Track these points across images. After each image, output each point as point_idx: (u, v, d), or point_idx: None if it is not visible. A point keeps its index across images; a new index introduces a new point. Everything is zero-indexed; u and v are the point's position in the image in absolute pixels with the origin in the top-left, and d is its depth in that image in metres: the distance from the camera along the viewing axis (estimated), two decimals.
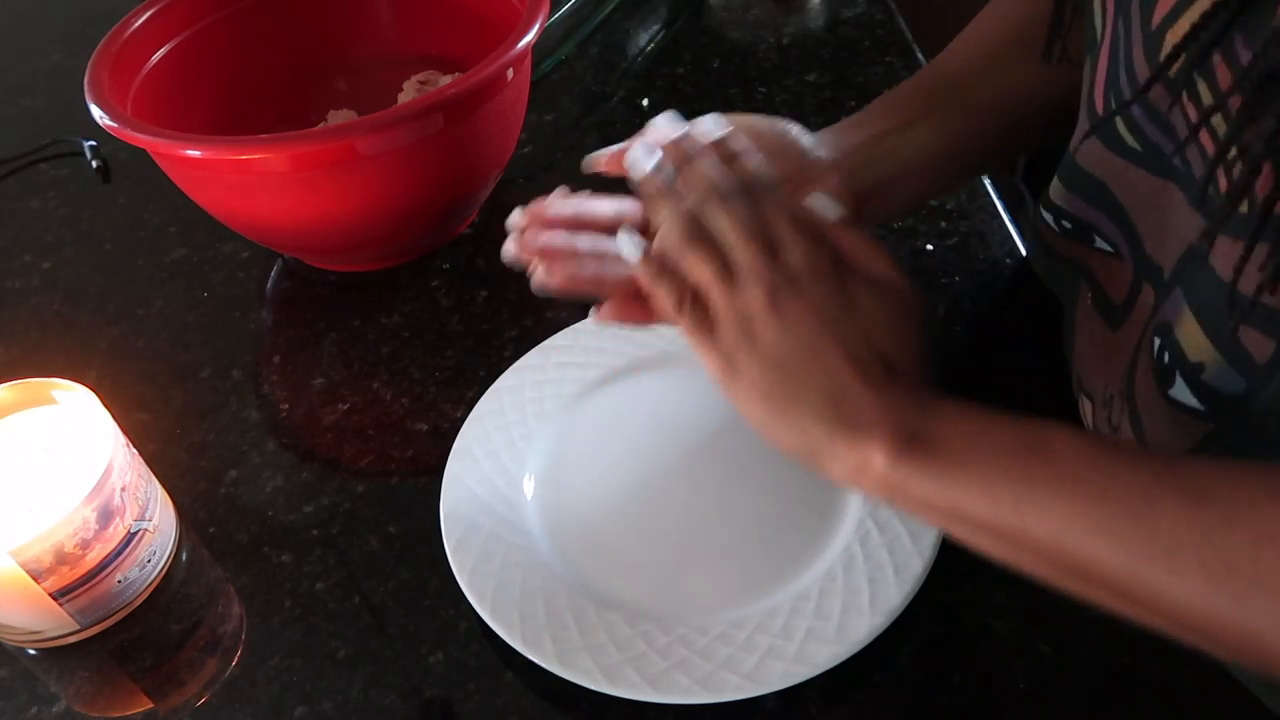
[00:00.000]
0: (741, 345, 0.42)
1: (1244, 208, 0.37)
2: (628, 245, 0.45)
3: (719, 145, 0.47)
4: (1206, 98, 0.39)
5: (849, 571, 0.51)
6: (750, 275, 0.42)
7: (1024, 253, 0.69)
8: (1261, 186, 0.36)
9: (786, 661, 0.47)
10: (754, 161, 0.46)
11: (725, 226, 0.43)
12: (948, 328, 0.66)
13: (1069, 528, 0.36)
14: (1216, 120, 0.38)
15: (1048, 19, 0.54)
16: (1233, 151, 0.37)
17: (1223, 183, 0.39)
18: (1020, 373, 0.62)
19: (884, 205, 0.55)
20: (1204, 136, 0.40)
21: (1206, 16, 0.37)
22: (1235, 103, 0.36)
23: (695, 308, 0.43)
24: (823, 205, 0.45)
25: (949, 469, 0.38)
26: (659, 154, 0.46)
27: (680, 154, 0.46)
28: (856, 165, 0.53)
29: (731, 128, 0.48)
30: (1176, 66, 0.40)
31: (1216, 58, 0.38)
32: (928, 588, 0.49)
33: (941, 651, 0.50)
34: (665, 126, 0.48)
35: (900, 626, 0.48)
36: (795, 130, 0.53)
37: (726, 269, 0.43)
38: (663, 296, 0.44)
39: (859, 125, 0.55)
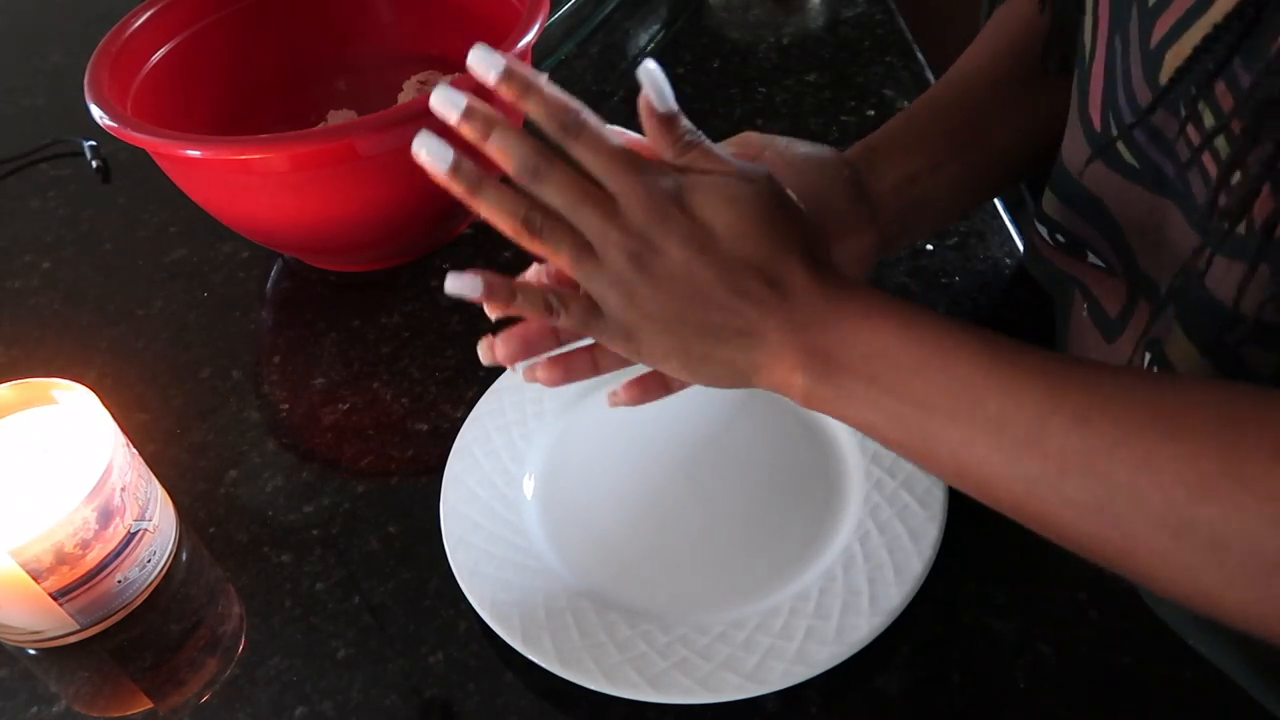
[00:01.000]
0: (631, 313, 0.41)
1: (1241, 229, 0.37)
2: (462, 286, 0.42)
3: (507, 82, 0.41)
4: (1208, 119, 0.39)
5: (849, 571, 0.51)
6: (605, 246, 0.40)
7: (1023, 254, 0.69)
8: (1260, 208, 0.36)
9: (786, 661, 0.47)
10: (548, 93, 0.41)
11: (558, 198, 0.40)
12: None
13: (968, 450, 0.37)
14: (1219, 142, 0.38)
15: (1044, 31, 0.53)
16: (1235, 175, 0.37)
17: (1223, 202, 0.39)
18: None
19: (900, 243, 0.54)
20: (1206, 158, 0.40)
21: (1209, 39, 0.37)
22: (1236, 126, 0.36)
23: (570, 302, 0.42)
24: (654, 86, 0.41)
25: (856, 390, 0.39)
26: (450, 150, 0.41)
27: (476, 128, 0.41)
28: (890, 210, 0.51)
29: (506, 61, 0.41)
30: (1179, 90, 0.39)
31: (1217, 80, 0.37)
32: (928, 588, 0.49)
33: (941, 651, 0.50)
34: (444, 103, 0.41)
35: (900, 626, 0.48)
36: (842, 170, 0.50)
37: (578, 248, 0.41)
38: (530, 312, 0.42)
39: (892, 160, 0.52)
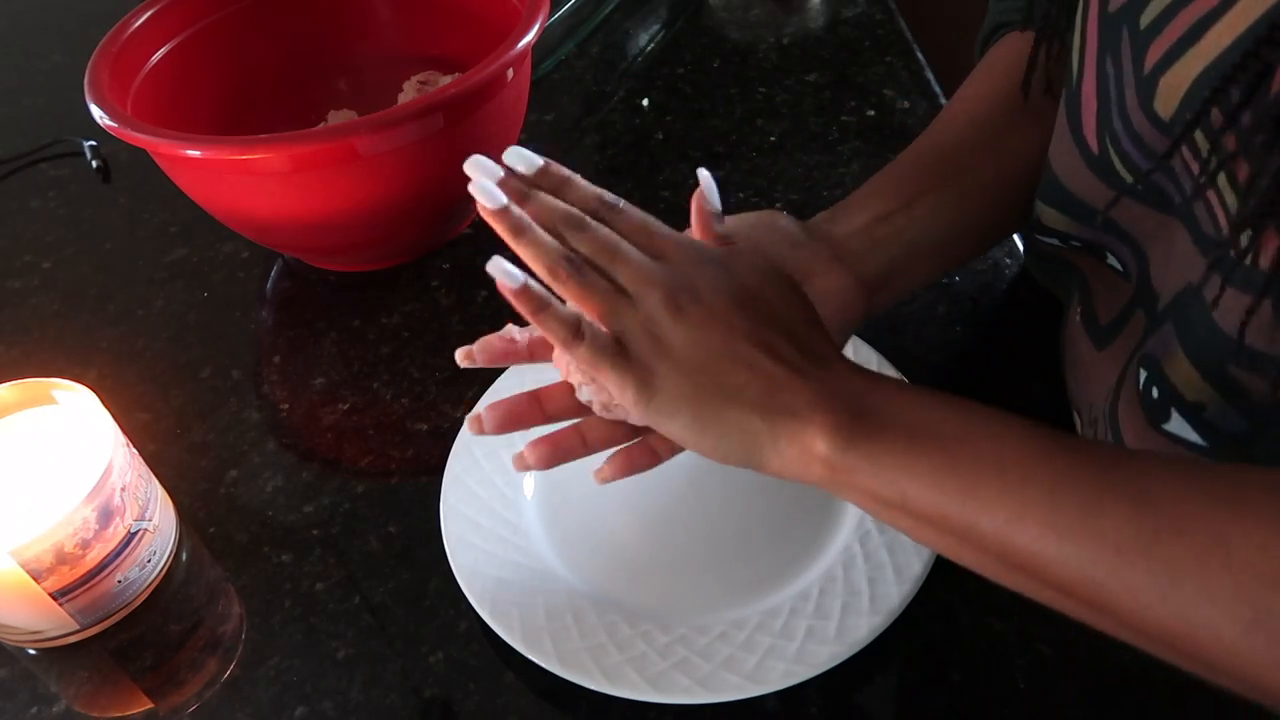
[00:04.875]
0: (655, 356, 0.40)
1: (1249, 260, 0.37)
2: (502, 274, 0.41)
3: (543, 176, 0.43)
4: (1212, 157, 0.38)
5: (849, 571, 0.51)
6: (641, 284, 0.41)
7: (1024, 255, 0.69)
8: (1269, 242, 0.35)
9: (786, 661, 0.47)
10: (584, 184, 0.44)
11: (599, 246, 0.41)
12: (948, 328, 0.66)
13: (1017, 526, 0.35)
14: (1221, 180, 0.38)
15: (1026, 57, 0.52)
16: (1246, 207, 0.36)
17: (1221, 218, 0.39)
18: (1020, 374, 0.62)
19: (892, 292, 0.52)
20: (1209, 194, 0.40)
21: (1226, 80, 0.36)
22: (1240, 166, 0.36)
23: (593, 332, 0.41)
24: (708, 189, 0.44)
25: (895, 456, 0.37)
26: (499, 193, 0.42)
27: (515, 189, 0.43)
28: (860, 250, 0.50)
29: (543, 161, 0.44)
30: (1184, 127, 0.39)
31: (1216, 113, 0.37)
32: (928, 587, 0.50)
33: (941, 651, 0.50)
34: (482, 168, 0.43)
35: (900, 626, 0.49)
36: (786, 222, 0.50)
37: (611, 289, 0.41)
38: (553, 328, 0.41)
39: (858, 207, 0.52)
